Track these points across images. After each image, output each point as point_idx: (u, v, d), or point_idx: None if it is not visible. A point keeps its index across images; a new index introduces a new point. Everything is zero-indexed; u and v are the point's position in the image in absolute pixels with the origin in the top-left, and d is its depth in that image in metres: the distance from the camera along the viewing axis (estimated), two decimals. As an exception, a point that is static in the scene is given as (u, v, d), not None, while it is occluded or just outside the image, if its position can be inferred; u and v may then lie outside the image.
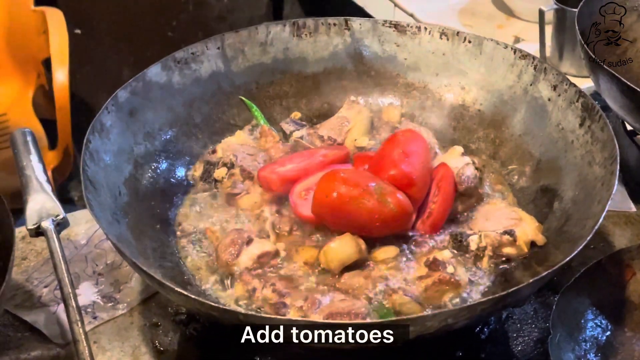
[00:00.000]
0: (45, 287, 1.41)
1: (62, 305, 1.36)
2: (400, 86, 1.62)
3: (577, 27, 1.57)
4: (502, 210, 1.40)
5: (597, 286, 1.34)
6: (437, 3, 2.50)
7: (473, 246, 1.34)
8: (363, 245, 1.31)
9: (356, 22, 1.61)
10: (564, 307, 1.29)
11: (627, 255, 1.38)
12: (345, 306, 1.19)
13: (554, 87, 1.46)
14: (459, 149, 1.46)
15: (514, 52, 1.52)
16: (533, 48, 2.16)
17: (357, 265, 1.30)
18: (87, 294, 1.40)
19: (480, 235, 1.34)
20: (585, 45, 1.53)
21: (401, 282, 1.28)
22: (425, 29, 1.58)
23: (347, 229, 1.31)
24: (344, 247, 1.29)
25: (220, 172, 1.45)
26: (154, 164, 1.45)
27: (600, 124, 1.36)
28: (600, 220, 1.20)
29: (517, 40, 2.33)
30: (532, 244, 1.34)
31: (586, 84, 1.78)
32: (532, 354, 1.32)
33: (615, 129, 1.66)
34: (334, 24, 1.61)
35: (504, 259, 1.34)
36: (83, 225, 1.52)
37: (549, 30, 2.13)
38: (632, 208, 1.58)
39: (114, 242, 1.18)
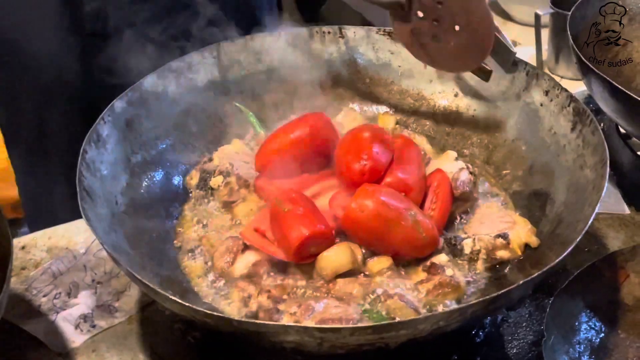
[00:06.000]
0: (44, 296, 1.42)
1: (61, 314, 1.38)
2: (394, 93, 1.64)
3: (569, 31, 1.58)
4: (495, 214, 1.41)
5: (591, 289, 1.35)
6: (434, 8, 2.51)
7: (467, 250, 1.35)
8: (359, 256, 1.31)
9: (350, 30, 1.62)
10: (558, 309, 1.30)
11: (621, 257, 1.39)
12: (338, 312, 1.20)
13: (546, 93, 1.47)
14: (453, 153, 1.47)
15: None
16: (530, 51, 2.17)
17: (352, 272, 1.31)
18: (86, 302, 1.41)
19: (474, 239, 1.35)
20: (576, 49, 1.54)
21: (397, 289, 1.28)
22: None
23: (372, 246, 1.32)
24: (338, 256, 1.29)
25: (216, 180, 1.45)
26: (151, 173, 1.46)
27: (591, 128, 1.37)
28: (590, 222, 1.21)
29: (514, 44, 2.33)
30: (526, 247, 1.35)
31: (581, 87, 1.79)
32: (527, 356, 1.32)
33: (608, 132, 1.67)
34: (329, 32, 1.62)
35: (498, 262, 1.34)
36: (82, 234, 1.53)
37: (545, 33, 2.14)
38: (626, 210, 1.59)
39: (110, 252, 1.19)
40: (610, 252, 1.42)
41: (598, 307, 1.34)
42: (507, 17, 2.47)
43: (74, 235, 1.54)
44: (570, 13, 1.64)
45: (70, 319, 1.38)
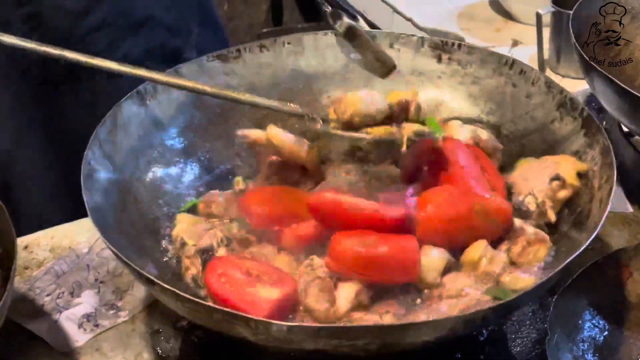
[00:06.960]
0: (48, 295, 1.42)
1: (64, 314, 1.38)
2: (249, 113, 1.52)
3: (571, 30, 1.58)
4: (532, 165, 1.41)
5: (594, 287, 1.35)
6: (436, 7, 2.53)
7: (533, 207, 1.34)
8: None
9: (184, 69, 1.51)
10: (562, 308, 1.30)
11: (625, 255, 1.39)
12: (466, 301, 1.19)
13: (391, 45, 1.52)
14: (456, 122, 1.46)
15: (334, 35, 1.50)
16: (531, 51, 2.18)
17: (451, 266, 1.27)
18: (89, 301, 1.42)
19: (533, 194, 1.35)
20: (579, 48, 1.54)
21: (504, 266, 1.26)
22: (245, 49, 1.55)
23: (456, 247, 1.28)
24: (433, 256, 1.24)
25: (222, 252, 1.28)
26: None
27: (463, 50, 1.45)
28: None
29: (516, 43, 2.35)
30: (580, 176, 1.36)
31: (584, 86, 1.80)
32: (530, 355, 1.32)
33: (611, 130, 1.68)
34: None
35: (564, 203, 1.36)
36: (84, 234, 1.53)
37: (546, 33, 2.15)
38: (629, 209, 1.59)
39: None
40: (614, 250, 1.42)
41: (602, 306, 1.34)
42: (508, 16, 2.48)
43: (77, 235, 1.54)
44: (572, 12, 1.64)
45: (74, 318, 1.38)
